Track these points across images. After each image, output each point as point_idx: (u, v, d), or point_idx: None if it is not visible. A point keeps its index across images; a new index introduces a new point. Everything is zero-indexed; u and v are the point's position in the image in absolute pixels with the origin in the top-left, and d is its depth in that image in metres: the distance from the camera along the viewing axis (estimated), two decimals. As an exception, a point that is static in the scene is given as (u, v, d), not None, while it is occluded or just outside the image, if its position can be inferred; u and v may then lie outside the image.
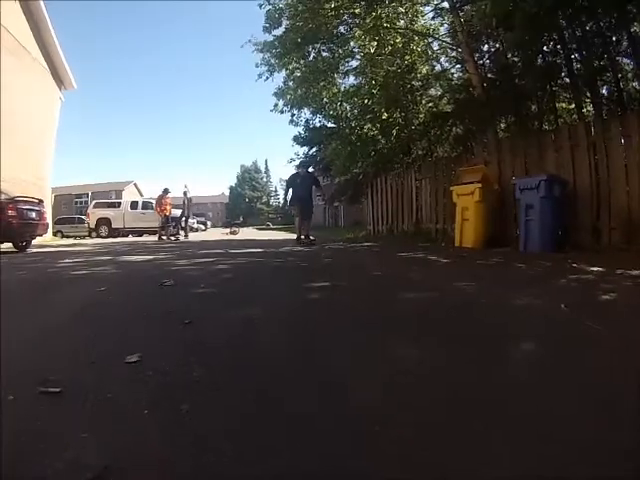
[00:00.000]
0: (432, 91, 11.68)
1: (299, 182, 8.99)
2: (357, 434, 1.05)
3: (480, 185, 6.31)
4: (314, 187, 9.16)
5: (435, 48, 11.30)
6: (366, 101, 10.47)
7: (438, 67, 11.77)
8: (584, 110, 7.75)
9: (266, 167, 77.55)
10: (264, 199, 73.15)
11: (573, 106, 8.21)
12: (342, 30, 11.04)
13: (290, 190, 9.31)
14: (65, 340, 1.91)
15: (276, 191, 75.16)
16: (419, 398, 1.26)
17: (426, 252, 6.04)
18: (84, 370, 1.48)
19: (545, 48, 8.07)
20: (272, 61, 11.21)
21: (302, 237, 9.02)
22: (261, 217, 64.00)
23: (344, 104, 11.53)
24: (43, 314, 2.45)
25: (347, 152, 10.95)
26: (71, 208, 43.31)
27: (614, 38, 7.76)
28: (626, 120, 5.59)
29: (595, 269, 3.89)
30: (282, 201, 10.39)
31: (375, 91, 10.36)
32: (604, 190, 5.58)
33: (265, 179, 75.93)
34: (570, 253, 5.00)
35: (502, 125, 9.35)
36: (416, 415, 1.15)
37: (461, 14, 9.31)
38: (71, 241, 14.88)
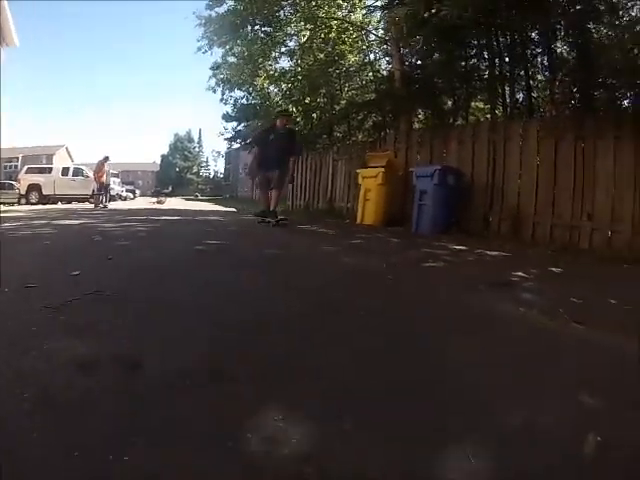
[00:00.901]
0: (358, 80, 12.45)
1: (273, 140, 6.85)
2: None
3: (383, 170, 7.11)
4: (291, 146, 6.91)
5: (371, 39, 11.94)
6: (290, 85, 11.11)
7: (369, 58, 12.41)
8: (497, 111, 8.71)
9: (199, 137, 75.64)
10: (195, 169, 71.83)
11: (488, 106, 9.21)
12: (281, 15, 11.27)
13: (257, 152, 7.36)
14: (34, 261, 3.19)
15: (207, 161, 74.60)
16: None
17: (327, 227, 6.89)
18: (49, 275, 2.69)
19: (465, 52, 8.94)
20: (212, 37, 11.28)
21: (268, 213, 6.83)
22: (190, 187, 62.86)
23: (270, 87, 12.17)
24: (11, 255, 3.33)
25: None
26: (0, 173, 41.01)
27: (531, 51, 8.81)
28: (526, 125, 6.51)
29: (457, 247, 4.69)
30: (249, 170, 8.27)
31: (300, 77, 11.03)
32: (498, 184, 6.47)
33: (197, 149, 74.44)
34: (454, 236, 5.76)
35: (420, 117, 10.18)
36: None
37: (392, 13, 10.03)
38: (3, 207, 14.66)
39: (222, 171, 68.55)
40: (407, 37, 8.47)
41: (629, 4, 7.68)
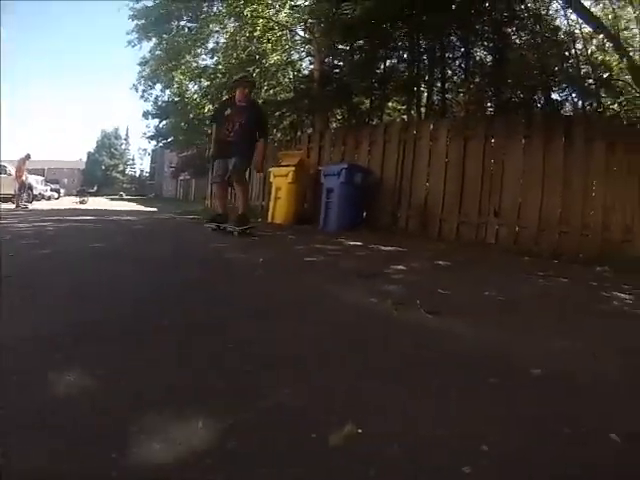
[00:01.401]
0: (281, 79, 12.29)
1: (229, 115, 5.07)
2: None
3: (294, 169, 6.83)
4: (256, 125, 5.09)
5: (296, 39, 11.82)
6: (209, 82, 10.78)
7: (291, 57, 12.29)
8: (412, 112, 8.78)
9: (127, 134, 72.79)
10: (121, 167, 68.02)
11: (405, 107, 9.30)
12: (208, 11, 10.95)
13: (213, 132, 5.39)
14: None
15: (133, 160, 71.09)
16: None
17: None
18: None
19: (385, 54, 8.96)
20: (140, 30, 10.94)
21: (224, 218, 5.13)
22: (116, 186, 59.58)
23: (189, 84, 11.73)
24: None
25: (185, 128, 11.14)
26: None
27: (450, 55, 8.97)
28: (437, 124, 6.43)
29: (352, 243, 4.52)
30: (209, 151, 5.69)
31: (220, 75, 10.70)
32: (407, 183, 6.40)
33: (124, 146, 70.36)
34: (359, 233, 5.61)
35: (338, 117, 10.13)
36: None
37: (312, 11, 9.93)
38: None
39: (148, 170, 65.67)
40: (326, 36, 8.42)
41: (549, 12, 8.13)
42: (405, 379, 1.29)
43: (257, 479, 0.79)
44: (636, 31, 7.76)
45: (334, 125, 9.42)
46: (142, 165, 70.73)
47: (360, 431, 0.94)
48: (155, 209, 14.67)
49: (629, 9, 7.71)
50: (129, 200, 34.21)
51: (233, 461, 0.82)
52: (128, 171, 69.66)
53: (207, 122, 7.02)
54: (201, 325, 1.70)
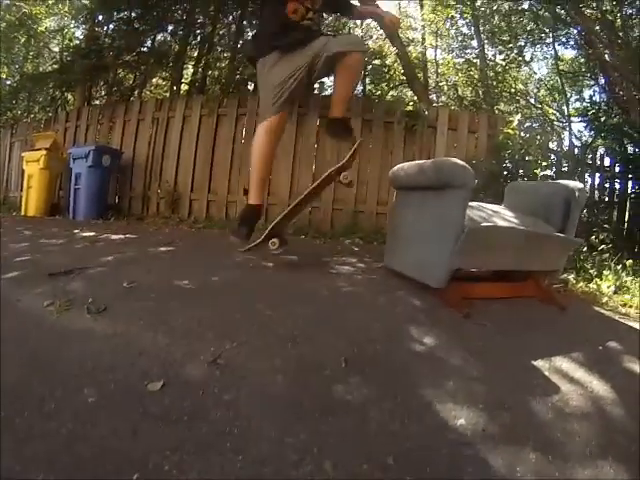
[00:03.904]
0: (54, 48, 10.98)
1: None
2: None
3: (46, 153, 6.22)
4: None
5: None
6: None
7: (66, 23, 10.98)
8: (175, 88, 8.42)
9: None
10: None
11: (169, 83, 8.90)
12: None
13: None
14: None
15: None
16: None
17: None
18: None
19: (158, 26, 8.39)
20: None
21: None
22: None
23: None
24: None
25: None
26: None
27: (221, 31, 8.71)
28: (190, 102, 6.24)
29: (84, 234, 4.27)
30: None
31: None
32: (157, 163, 6.21)
33: None
34: (108, 220, 5.49)
35: (102, 93, 9.39)
36: None
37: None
38: None
39: None
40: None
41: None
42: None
43: None
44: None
45: (97, 102, 8.63)
46: None
47: None
48: None
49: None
50: None
51: None
52: None
53: None
54: None
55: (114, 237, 4.14)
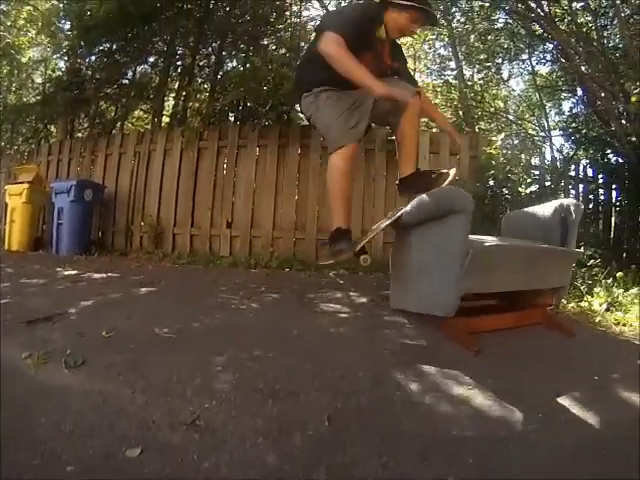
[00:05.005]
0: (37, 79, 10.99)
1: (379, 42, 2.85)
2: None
3: (28, 186, 6.22)
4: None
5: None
6: None
7: (49, 54, 10.98)
8: (156, 121, 8.47)
9: None
10: None
11: (150, 116, 8.96)
12: None
13: None
14: None
15: None
16: None
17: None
18: None
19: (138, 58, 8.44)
20: None
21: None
22: None
23: None
24: None
25: None
26: None
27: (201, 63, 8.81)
28: (171, 135, 6.28)
29: (66, 273, 4.24)
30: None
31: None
32: (140, 198, 6.23)
33: None
34: (92, 256, 5.49)
35: (85, 125, 9.40)
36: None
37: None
38: None
39: None
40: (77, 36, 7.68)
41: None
42: None
43: None
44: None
45: (80, 135, 8.66)
46: None
47: None
48: None
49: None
50: None
51: None
52: None
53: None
54: None
55: (96, 276, 4.14)
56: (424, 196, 2.60)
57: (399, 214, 2.81)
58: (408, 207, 2.73)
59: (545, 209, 2.98)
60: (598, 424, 1.61)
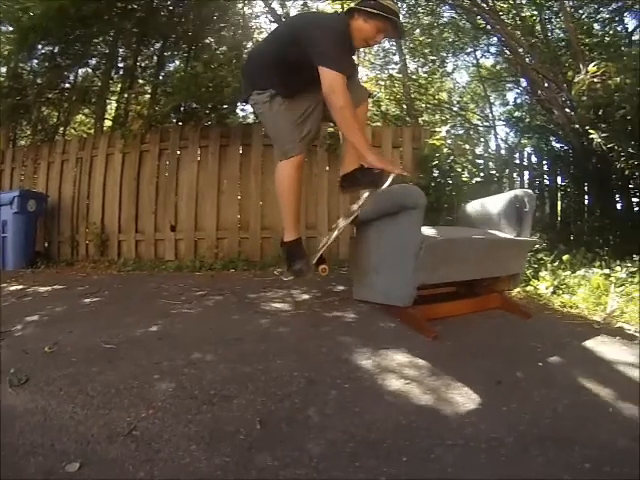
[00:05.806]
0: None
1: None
2: None
3: (-31, 200, 6.06)
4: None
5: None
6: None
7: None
8: (99, 125, 8.35)
9: None
10: None
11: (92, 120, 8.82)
12: None
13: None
14: None
15: None
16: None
17: None
18: None
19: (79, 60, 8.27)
20: None
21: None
22: None
23: None
24: None
25: None
26: None
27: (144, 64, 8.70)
28: (112, 139, 6.23)
29: (12, 288, 4.24)
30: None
31: None
32: (84, 205, 6.20)
33: None
34: (38, 269, 5.42)
35: (27, 132, 9.19)
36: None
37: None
38: None
39: None
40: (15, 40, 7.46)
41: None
42: None
43: None
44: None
45: (23, 143, 8.48)
46: None
47: None
48: None
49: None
50: None
51: None
52: None
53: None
54: None
55: (41, 289, 4.18)
56: (380, 193, 2.78)
57: (354, 215, 3.00)
58: (361, 202, 2.95)
59: (501, 200, 3.22)
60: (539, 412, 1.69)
